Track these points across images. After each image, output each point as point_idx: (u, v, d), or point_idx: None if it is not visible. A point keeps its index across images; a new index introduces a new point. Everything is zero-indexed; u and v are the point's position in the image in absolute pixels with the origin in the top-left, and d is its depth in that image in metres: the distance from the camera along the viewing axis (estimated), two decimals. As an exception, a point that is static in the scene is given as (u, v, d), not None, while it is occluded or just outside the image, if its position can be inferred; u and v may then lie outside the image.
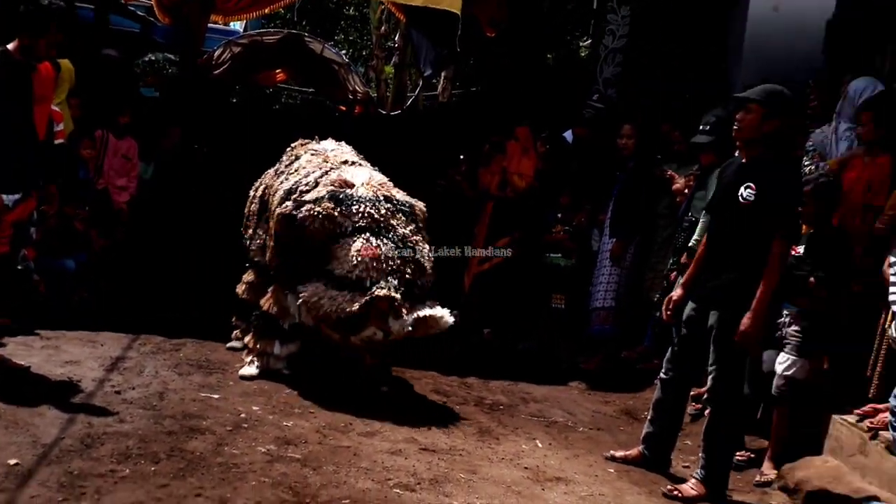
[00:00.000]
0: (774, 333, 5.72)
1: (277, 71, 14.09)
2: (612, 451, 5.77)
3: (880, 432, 5.30)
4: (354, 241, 5.94)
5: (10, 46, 5.50)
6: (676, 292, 5.49)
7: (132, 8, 13.04)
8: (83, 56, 9.12)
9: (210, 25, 12.62)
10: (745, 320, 4.93)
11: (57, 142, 7.45)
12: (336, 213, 6.00)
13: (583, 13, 13.54)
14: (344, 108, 12.62)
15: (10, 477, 4.12)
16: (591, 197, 8.70)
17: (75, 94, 8.15)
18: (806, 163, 6.88)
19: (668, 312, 5.49)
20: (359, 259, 5.86)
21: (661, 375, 5.54)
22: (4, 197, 5.47)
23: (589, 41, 12.99)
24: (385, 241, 5.99)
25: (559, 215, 8.72)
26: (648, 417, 5.65)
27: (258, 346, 6.45)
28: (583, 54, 14.36)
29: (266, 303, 6.46)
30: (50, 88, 5.90)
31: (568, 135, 9.44)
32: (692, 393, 5.94)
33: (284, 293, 6.31)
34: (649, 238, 8.22)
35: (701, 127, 7.45)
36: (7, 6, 5.69)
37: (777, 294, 5.00)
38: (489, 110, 10.65)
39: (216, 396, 5.79)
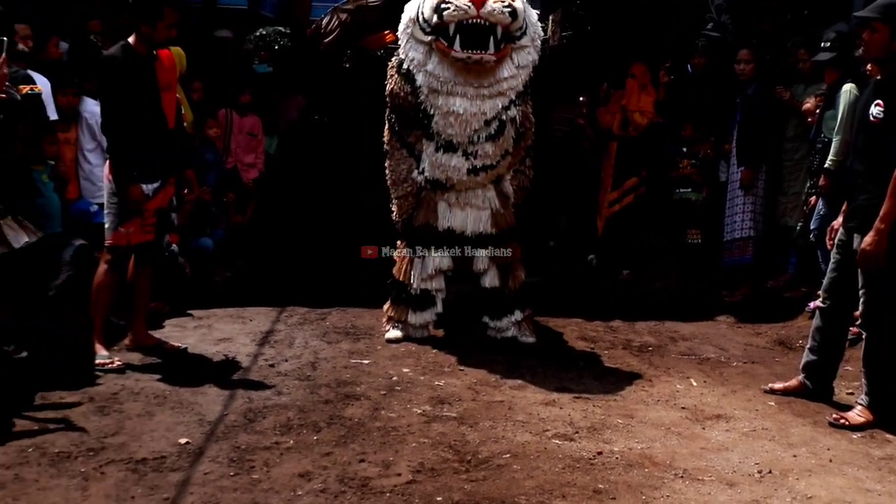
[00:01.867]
0: None
1: (387, 32, 14.07)
2: (770, 384, 5.63)
3: None
4: None
5: (129, 40, 5.60)
6: (837, 220, 5.31)
7: (240, -13, 13.17)
8: (195, 39, 9.25)
9: (316, -6, 12.70)
10: (867, 239, 4.79)
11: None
12: None
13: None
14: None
15: (183, 456, 4.23)
16: (715, 127, 8.48)
17: (196, 77, 8.28)
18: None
19: (831, 241, 5.32)
20: None
21: (819, 304, 5.38)
22: (144, 186, 5.60)
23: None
24: None
25: (684, 149, 8.52)
26: (808, 346, 5.48)
27: (394, 313, 6.48)
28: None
29: (395, 268, 6.51)
30: (173, 75, 5.99)
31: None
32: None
33: (410, 258, 6.38)
34: (779, 162, 7.98)
35: (822, 44, 7.17)
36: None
37: None
38: (602, 50, 10.45)
39: (366, 362, 5.85)
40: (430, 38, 5.80)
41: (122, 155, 5.54)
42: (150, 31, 5.56)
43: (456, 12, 5.60)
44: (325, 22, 12.81)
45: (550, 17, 14.00)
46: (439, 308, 6.44)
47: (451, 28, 5.68)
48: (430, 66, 5.83)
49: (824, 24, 7.62)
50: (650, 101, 8.65)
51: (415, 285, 6.35)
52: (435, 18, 5.70)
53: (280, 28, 13.80)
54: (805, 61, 7.77)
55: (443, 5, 5.64)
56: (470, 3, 5.57)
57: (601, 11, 11.99)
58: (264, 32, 13.96)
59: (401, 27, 6.05)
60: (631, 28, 10.83)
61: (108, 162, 5.71)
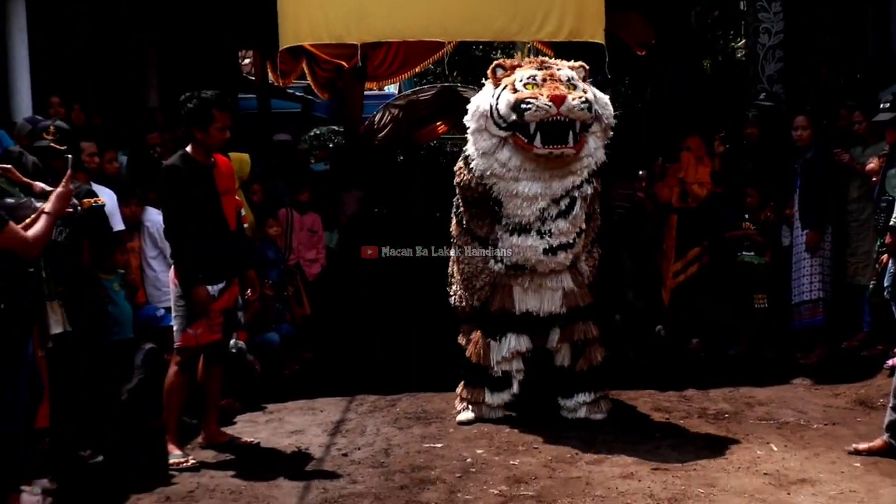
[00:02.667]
0: None
1: (438, 124, 14.34)
2: (854, 445, 5.46)
3: None
4: None
5: (188, 149, 5.78)
6: None
7: (291, 90, 13.54)
8: (252, 142, 9.50)
9: (366, 93, 13.03)
10: None
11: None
12: None
13: (732, 14, 13.33)
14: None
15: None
16: (774, 193, 8.45)
17: (256, 180, 8.48)
18: None
19: None
20: None
21: (897, 360, 5.29)
22: (209, 288, 5.70)
23: (742, 41, 12.74)
24: None
25: (746, 216, 8.49)
26: (890, 405, 5.34)
27: (469, 395, 6.45)
28: (739, 56, 14.10)
29: (470, 352, 6.48)
30: (232, 180, 6.11)
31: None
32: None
33: (486, 341, 6.36)
34: (843, 223, 7.94)
35: (882, 104, 7.19)
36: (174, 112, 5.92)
37: None
38: (656, 125, 10.55)
39: (440, 445, 5.81)
40: (506, 133, 5.86)
41: (186, 259, 5.66)
42: (205, 137, 5.71)
43: (538, 112, 5.68)
44: (377, 118, 13.15)
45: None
46: (515, 389, 6.38)
47: (532, 126, 5.76)
48: (499, 155, 5.89)
49: (878, 87, 7.63)
50: (707, 171, 8.69)
51: (495, 367, 6.32)
52: (514, 116, 5.78)
53: (333, 127, 14.15)
54: (861, 123, 7.78)
55: (523, 105, 5.72)
56: (551, 103, 5.66)
57: (651, 90, 12.16)
58: (318, 132, 14.31)
59: (470, 119, 6.10)
60: (682, 103, 10.95)
61: (173, 266, 5.83)
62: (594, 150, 6.01)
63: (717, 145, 8.85)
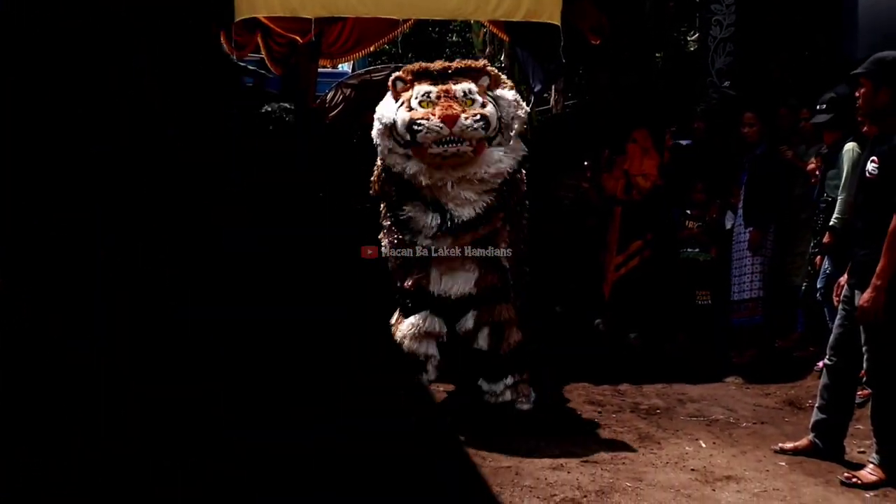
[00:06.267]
0: None
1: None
2: (780, 444, 5.57)
3: None
4: None
5: None
6: (843, 277, 5.34)
7: (244, 63, 13.40)
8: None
9: (319, 70, 12.92)
10: (864, 295, 4.83)
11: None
12: None
13: (687, 7, 13.37)
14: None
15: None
16: (720, 189, 8.51)
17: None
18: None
19: (838, 298, 5.33)
20: None
21: (826, 361, 5.37)
22: None
23: (696, 35, 12.79)
24: None
25: (688, 211, 8.54)
26: (816, 405, 5.45)
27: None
28: (691, 49, 14.15)
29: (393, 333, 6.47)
30: None
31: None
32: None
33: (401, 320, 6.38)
34: (786, 223, 8.01)
35: (818, 106, 7.30)
36: None
37: None
38: (604, 117, 10.57)
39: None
40: (404, 150, 5.78)
41: None
42: None
43: (429, 134, 5.57)
44: (329, 96, 13.06)
45: (553, 87, 14.21)
46: (432, 376, 6.31)
47: (426, 144, 5.68)
48: (408, 169, 5.80)
49: (826, 86, 7.68)
50: (653, 164, 8.67)
51: (404, 344, 6.23)
52: (408, 136, 5.68)
53: (285, 104, 14.04)
54: (807, 121, 7.84)
55: (415, 126, 5.61)
56: (442, 124, 5.57)
57: (603, 80, 12.17)
58: (269, 109, 14.20)
59: (376, 134, 5.99)
60: (632, 95, 10.98)
61: None
62: (502, 156, 5.89)
63: (668, 139, 8.86)
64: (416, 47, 19.98)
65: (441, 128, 5.55)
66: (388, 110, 5.93)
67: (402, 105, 5.80)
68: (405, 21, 10.05)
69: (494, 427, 5.86)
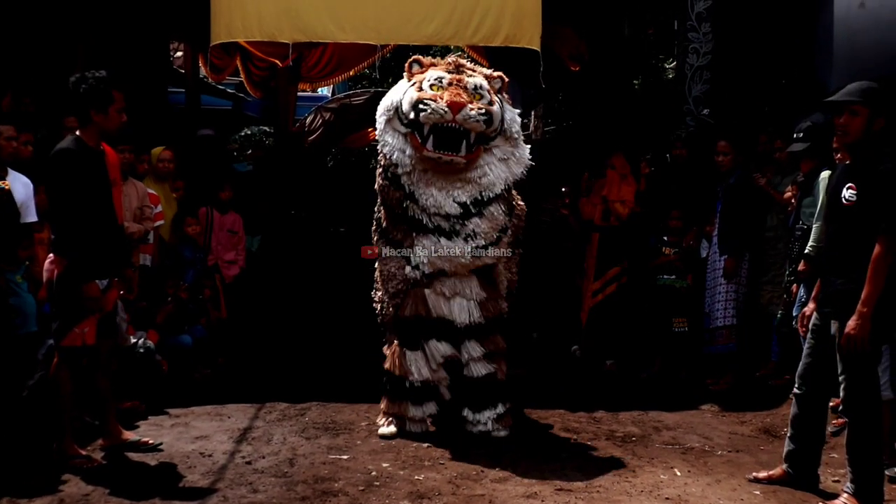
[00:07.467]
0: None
1: (370, 130, 14.29)
2: (754, 473, 5.54)
3: None
4: None
5: (78, 134, 5.52)
6: (809, 306, 5.33)
7: (222, 87, 13.39)
8: (179, 138, 9.34)
9: (299, 94, 12.93)
10: (850, 323, 4.79)
11: (157, 223, 7.63)
12: None
13: (665, 35, 13.42)
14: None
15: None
16: (697, 216, 8.52)
17: (180, 176, 8.35)
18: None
19: (804, 328, 5.31)
20: None
21: (795, 391, 5.35)
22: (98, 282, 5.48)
23: (674, 62, 12.87)
24: None
25: (665, 238, 8.54)
26: (788, 434, 5.44)
27: (391, 409, 6.35)
28: (669, 76, 14.21)
29: (388, 363, 6.43)
30: (118, 171, 5.81)
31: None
32: (831, 405, 5.68)
33: (403, 350, 6.31)
34: (761, 251, 8.05)
35: (795, 135, 7.35)
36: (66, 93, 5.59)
37: (886, 295, 4.78)
38: (583, 143, 10.60)
39: (345, 457, 5.75)
40: (406, 130, 5.88)
41: (79, 250, 5.39)
42: (103, 119, 5.48)
43: (433, 115, 5.70)
44: (308, 120, 13.05)
45: (532, 112, 14.27)
46: (447, 396, 6.37)
47: (427, 128, 5.77)
48: (406, 150, 5.88)
49: (801, 115, 7.72)
50: (631, 191, 8.72)
51: (416, 377, 6.26)
52: (412, 115, 5.80)
53: (265, 127, 14.03)
54: (781, 150, 7.86)
55: (420, 105, 5.74)
56: (447, 108, 5.67)
57: (582, 107, 12.22)
58: (249, 132, 14.19)
59: (379, 113, 6.09)
60: (610, 122, 11.01)
61: (51, 259, 5.53)
62: (497, 162, 6.00)
63: (644, 166, 8.90)
64: (395, 72, 19.97)
65: (445, 112, 5.67)
66: (396, 92, 6.08)
67: (412, 85, 5.94)
68: (384, 46, 10.06)
69: (469, 454, 5.83)
